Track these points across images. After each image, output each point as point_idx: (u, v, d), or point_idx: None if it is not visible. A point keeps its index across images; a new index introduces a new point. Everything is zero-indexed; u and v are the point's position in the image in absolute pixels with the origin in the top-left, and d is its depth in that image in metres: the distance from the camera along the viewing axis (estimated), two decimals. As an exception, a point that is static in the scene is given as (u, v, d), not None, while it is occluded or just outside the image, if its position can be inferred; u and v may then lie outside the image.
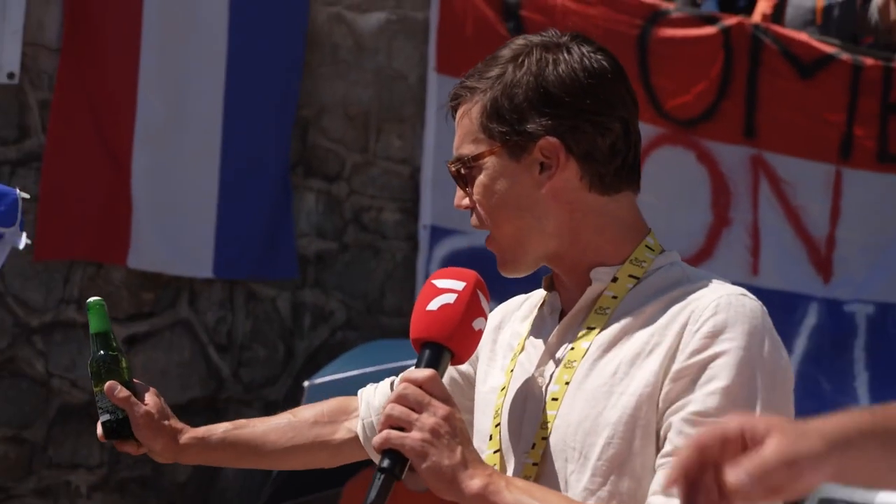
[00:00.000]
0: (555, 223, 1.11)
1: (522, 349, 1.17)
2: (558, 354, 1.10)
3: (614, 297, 1.09)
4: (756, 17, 4.72)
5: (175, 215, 3.92)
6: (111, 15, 3.84)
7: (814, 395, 4.11)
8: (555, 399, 1.06)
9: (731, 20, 4.49)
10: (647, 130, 4.08)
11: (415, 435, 0.93)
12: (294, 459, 1.36)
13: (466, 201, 1.13)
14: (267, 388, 4.15)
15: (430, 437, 0.94)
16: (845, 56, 4.52)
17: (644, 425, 1.01)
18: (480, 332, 1.06)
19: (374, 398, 1.29)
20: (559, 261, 1.12)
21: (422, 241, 4.17)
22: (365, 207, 4.21)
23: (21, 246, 2.57)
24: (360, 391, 1.32)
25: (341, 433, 1.30)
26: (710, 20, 4.48)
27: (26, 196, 2.53)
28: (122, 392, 1.18)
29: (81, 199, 3.82)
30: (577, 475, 1.05)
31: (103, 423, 1.17)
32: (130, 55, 3.80)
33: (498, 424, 1.14)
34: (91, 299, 1.23)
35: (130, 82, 3.82)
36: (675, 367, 0.99)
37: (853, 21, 4.71)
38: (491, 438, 1.14)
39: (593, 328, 1.08)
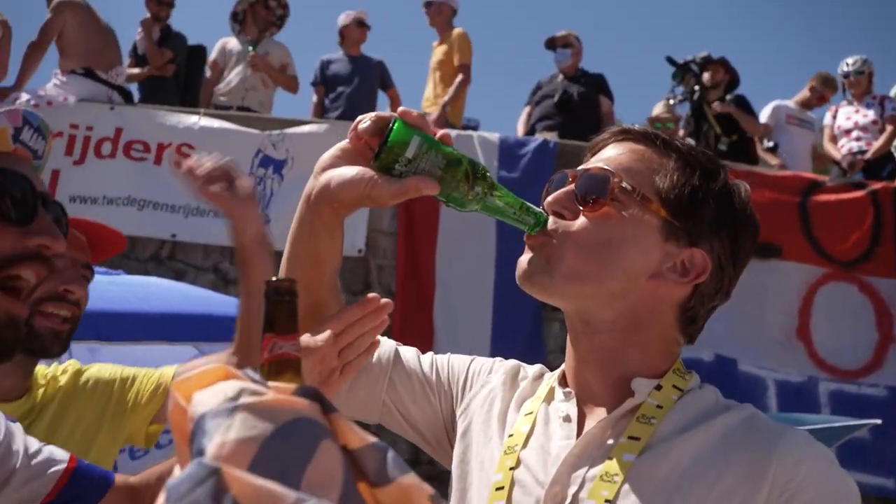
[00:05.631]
0: (632, 305, 0.97)
1: (525, 446, 1.00)
2: (586, 467, 0.94)
3: (659, 407, 0.95)
4: (897, 182, 5.58)
5: (458, 335, 5.29)
6: (423, 213, 5.22)
7: None
8: None
9: (877, 184, 5.32)
10: (815, 271, 5.15)
11: None
12: None
13: (566, 211, 0.98)
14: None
15: None
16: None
17: None
18: None
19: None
20: (598, 340, 0.98)
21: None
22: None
23: None
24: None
25: None
26: (860, 185, 5.36)
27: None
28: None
29: (404, 319, 5.06)
30: None
31: (408, 159, 0.85)
32: (432, 238, 5.24)
33: None
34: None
35: (431, 253, 5.22)
36: None
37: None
38: None
39: (637, 438, 0.93)
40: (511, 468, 0.98)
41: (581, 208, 0.98)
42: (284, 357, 0.70)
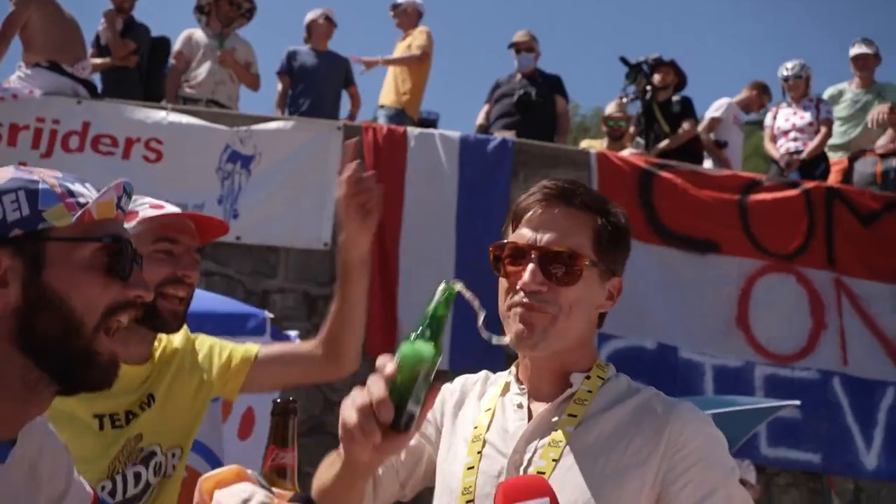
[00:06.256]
0: (584, 332, 1.26)
1: (487, 430, 1.26)
2: (538, 438, 1.20)
3: (589, 392, 1.24)
4: (830, 181, 5.94)
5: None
6: (388, 208, 5.55)
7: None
8: (541, 472, 1.15)
9: (809, 184, 5.64)
10: (754, 264, 5.46)
11: None
12: None
13: (544, 287, 1.20)
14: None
15: None
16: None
17: None
18: None
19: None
20: (554, 356, 1.24)
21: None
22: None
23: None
24: None
25: None
26: (794, 185, 5.65)
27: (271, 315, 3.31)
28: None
29: (370, 312, 5.47)
30: None
31: (412, 413, 0.94)
32: (396, 232, 5.32)
33: (470, 501, 1.20)
34: (456, 284, 1.00)
35: (395, 247, 5.30)
36: (672, 473, 1.15)
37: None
38: None
39: (574, 416, 1.21)
40: (478, 451, 1.24)
41: (557, 285, 1.20)
42: (284, 466, 0.91)
